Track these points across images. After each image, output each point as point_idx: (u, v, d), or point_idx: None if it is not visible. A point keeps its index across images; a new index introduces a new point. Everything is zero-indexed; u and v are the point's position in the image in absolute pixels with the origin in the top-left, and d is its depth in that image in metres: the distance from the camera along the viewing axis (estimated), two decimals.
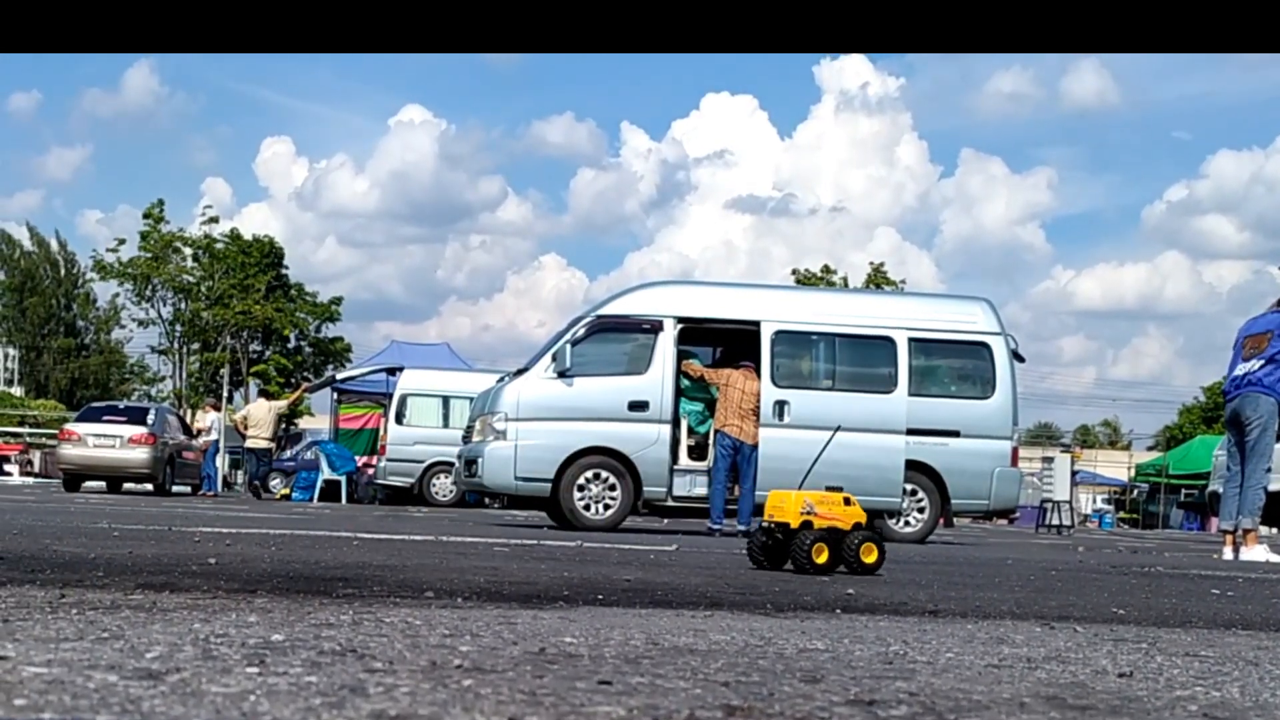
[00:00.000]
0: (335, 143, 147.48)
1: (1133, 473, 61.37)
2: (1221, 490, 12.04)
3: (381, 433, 27.95)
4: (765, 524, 6.27)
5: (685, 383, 14.61)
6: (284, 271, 62.87)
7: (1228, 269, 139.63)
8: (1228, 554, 11.46)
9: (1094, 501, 60.87)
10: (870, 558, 6.01)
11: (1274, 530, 16.42)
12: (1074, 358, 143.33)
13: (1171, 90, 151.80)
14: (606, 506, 13.91)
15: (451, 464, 21.37)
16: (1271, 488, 11.85)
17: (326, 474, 26.90)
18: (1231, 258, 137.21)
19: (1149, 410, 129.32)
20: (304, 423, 51.92)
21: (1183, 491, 51.88)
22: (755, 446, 14.02)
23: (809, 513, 6.07)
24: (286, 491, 27.82)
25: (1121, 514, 59.22)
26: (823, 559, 5.90)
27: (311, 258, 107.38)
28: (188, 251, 59.71)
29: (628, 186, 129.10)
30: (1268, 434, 11.36)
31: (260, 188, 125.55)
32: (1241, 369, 11.64)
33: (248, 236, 61.44)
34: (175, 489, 26.17)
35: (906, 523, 14.54)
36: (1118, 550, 13.95)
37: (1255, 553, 11.22)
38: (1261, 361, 11.41)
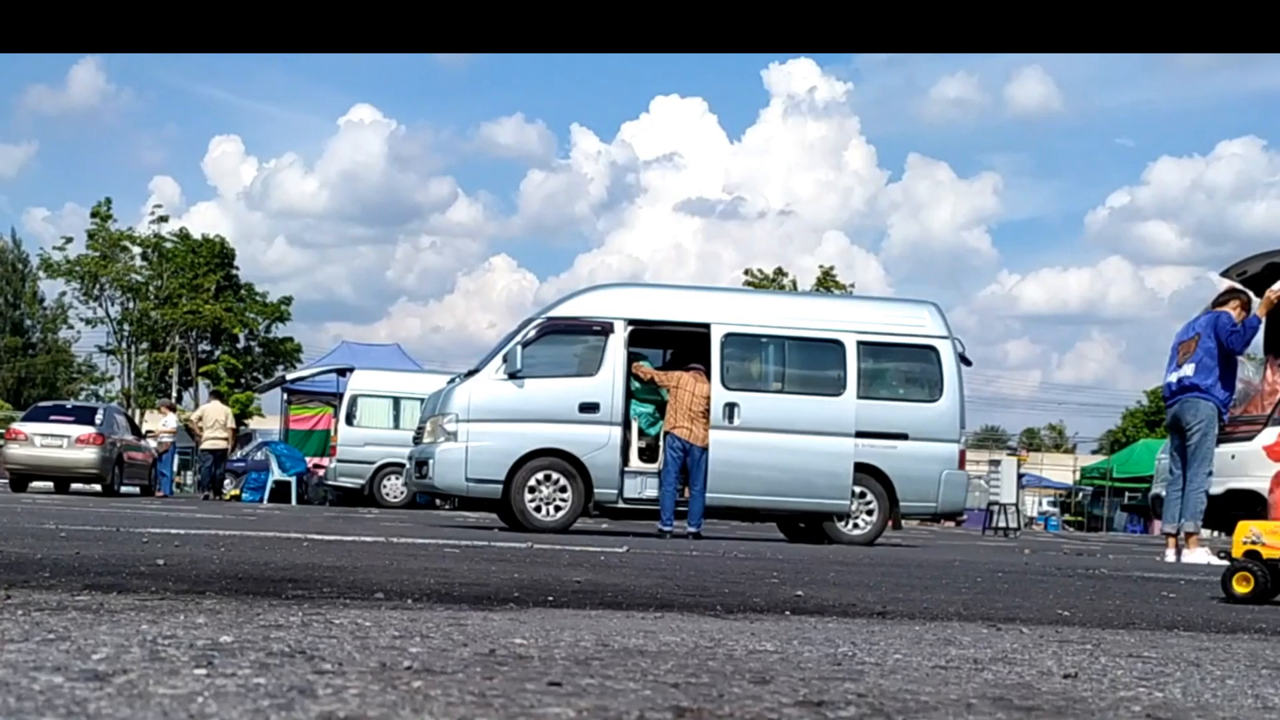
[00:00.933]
0: (284, 142, 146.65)
1: (1077, 476, 61.91)
2: (1164, 494, 12.17)
3: (332, 434, 27.81)
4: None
5: (636, 385, 14.62)
6: (234, 271, 62.49)
7: (1169, 275, 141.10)
8: (1170, 556, 11.57)
9: (1040, 504, 61.27)
10: None
11: (1215, 533, 16.58)
12: (1019, 361, 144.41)
13: (1114, 97, 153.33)
14: (557, 508, 13.89)
15: (402, 465, 21.28)
16: (1213, 491, 11.98)
17: (277, 475, 26.75)
18: (1172, 264, 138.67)
19: (1093, 414, 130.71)
20: (254, 423, 51.60)
21: (1126, 494, 52.38)
22: (705, 449, 14.05)
23: None
24: (236, 492, 27.64)
25: (1066, 517, 59.68)
26: None
27: (261, 258, 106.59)
28: (136, 250, 59.25)
29: (578, 188, 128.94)
30: (1208, 439, 11.48)
31: (209, 187, 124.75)
32: (1175, 375, 11.77)
33: (197, 236, 61.02)
34: (124, 489, 25.95)
35: (855, 525, 14.59)
36: (1063, 552, 14.07)
37: (1197, 555, 11.35)
38: (1193, 365, 11.54)
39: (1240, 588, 5.65)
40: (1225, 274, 12.96)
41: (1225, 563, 11.23)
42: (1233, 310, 11.55)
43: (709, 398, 14.09)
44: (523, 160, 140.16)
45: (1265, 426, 12.14)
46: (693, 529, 13.88)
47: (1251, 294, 11.95)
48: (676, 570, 6.16)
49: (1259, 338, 13.34)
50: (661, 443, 14.29)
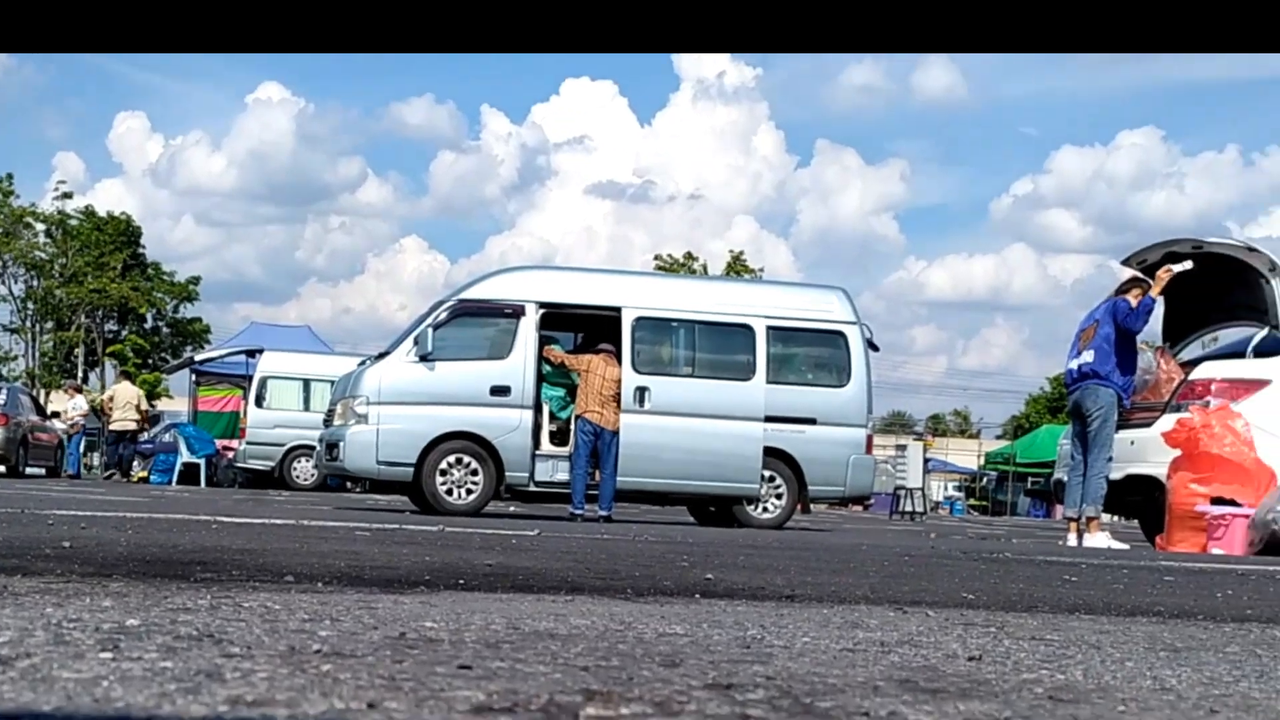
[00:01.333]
0: (191, 119, 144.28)
1: (982, 461, 62.76)
2: (1066, 479, 12.37)
3: (241, 415, 27.53)
4: None
5: (547, 369, 14.61)
6: (140, 250, 61.56)
7: (1071, 262, 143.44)
8: (1072, 541, 11.77)
9: (945, 489, 62.04)
10: None
11: (1116, 518, 16.89)
12: (926, 347, 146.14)
13: (1018, 87, 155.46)
14: (469, 491, 13.86)
15: (313, 447, 21.13)
16: (1113, 476, 12.20)
17: (185, 457, 26.43)
18: (1075, 251, 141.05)
19: (997, 400, 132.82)
20: (162, 405, 50.94)
21: (1029, 479, 53.19)
22: (616, 432, 14.07)
23: None
24: (144, 474, 27.29)
25: (971, 501, 60.48)
26: None
27: (168, 236, 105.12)
28: (40, 227, 58.18)
29: (488, 170, 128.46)
30: (1108, 425, 11.69)
31: (114, 164, 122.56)
32: (1075, 362, 11.97)
33: (102, 213, 60.02)
34: (29, 471, 25.52)
35: (764, 509, 14.69)
36: (967, 537, 14.26)
37: (1098, 539, 11.55)
38: (1092, 352, 11.74)
39: None
40: (1125, 262, 13.19)
41: (1125, 546, 11.47)
42: (1132, 298, 11.76)
43: (619, 381, 14.11)
44: (433, 141, 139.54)
45: (1163, 413, 12.38)
46: (604, 512, 13.91)
47: (1151, 282, 12.17)
48: (587, 553, 6.17)
49: (1156, 326, 13.62)
50: (572, 426, 14.30)
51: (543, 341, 14.41)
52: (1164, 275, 11.79)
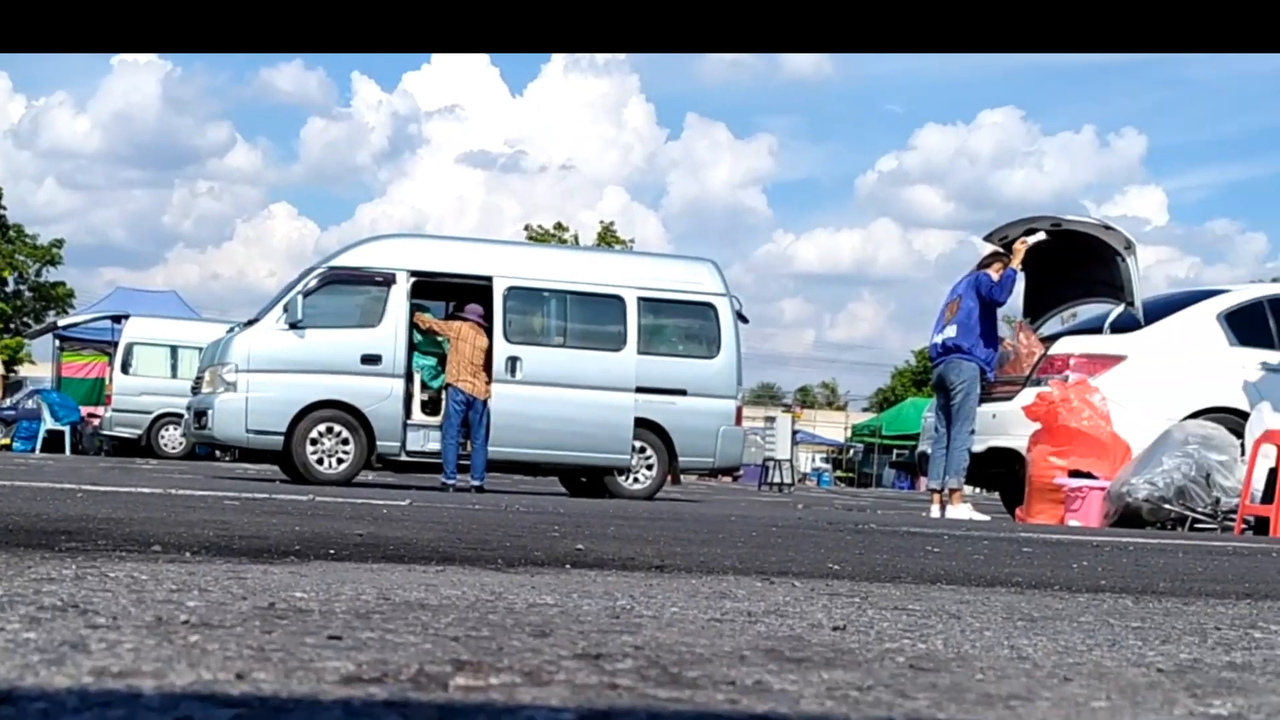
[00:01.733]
0: (54, 80, 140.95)
1: (849, 433, 63.65)
2: (930, 451, 12.59)
3: (107, 382, 26.97)
4: None
5: (418, 338, 14.53)
6: (1, 211, 59.81)
7: (935, 237, 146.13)
8: (935, 512, 11.99)
9: (813, 460, 62.84)
10: None
11: (978, 490, 17.25)
12: (794, 319, 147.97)
13: (883, 64, 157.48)
14: (339, 460, 13.76)
15: (181, 415, 20.81)
16: (976, 449, 12.45)
17: (49, 424, 25.85)
18: (938, 227, 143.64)
19: (864, 372, 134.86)
20: (24, 371, 49.62)
21: (895, 451, 54.07)
22: (486, 402, 14.05)
23: None
24: (7, 441, 26.64)
25: (839, 473, 61.32)
26: None
27: (30, 199, 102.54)
28: None
29: (359, 137, 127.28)
30: (971, 398, 11.92)
31: None
32: (940, 336, 12.19)
33: None
34: None
35: (635, 479, 14.77)
36: (834, 508, 14.47)
37: (960, 511, 11.79)
38: (955, 327, 11.98)
39: None
40: (988, 238, 13.44)
41: (986, 518, 11.72)
42: (994, 272, 12.01)
43: (489, 350, 14.08)
44: (303, 107, 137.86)
45: (1024, 387, 12.64)
46: (476, 482, 13.89)
47: (1011, 257, 12.44)
48: (459, 524, 6.16)
49: (1017, 302, 13.91)
50: (444, 396, 14.24)
51: (414, 310, 14.32)
52: (1020, 247, 12.09)
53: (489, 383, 14.09)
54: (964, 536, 7.66)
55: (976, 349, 11.92)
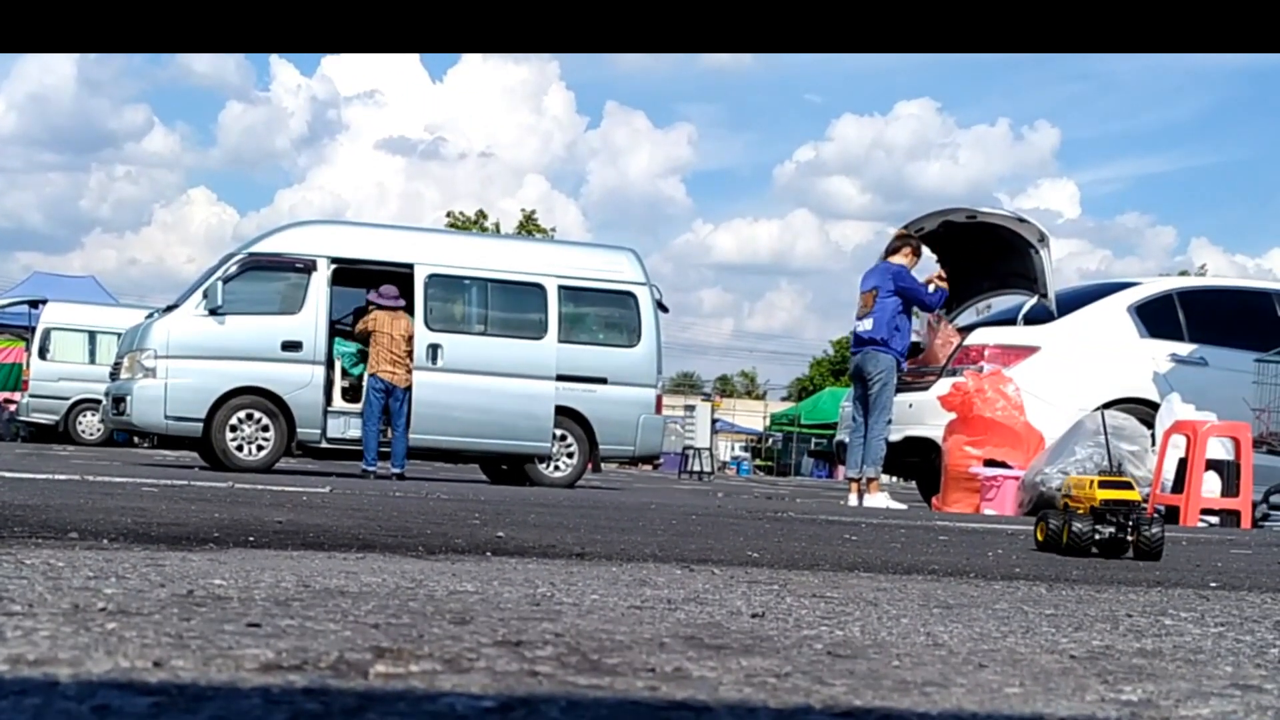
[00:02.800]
0: None
1: (768, 422, 63.99)
2: (848, 440, 12.69)
3: (24, 367, 26.53)
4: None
5: (344, 325, 14.49)
6: None
7: (852, 228, 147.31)
8: (853, 500, 12.09)
9: (732, 449, 63.09)
10: None
11: (894, 479, 17.41)
12: (713, 309, 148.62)
13: (803, 54, 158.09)
14: (259, 447, 13.66)
15: (99, 401, 20.57)
16: (893, 438, 12.57)
17: None
18: (855, 218, 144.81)
19: (782, 362, 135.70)
20: None
21: (813, 440, 54.42)
22: (408, 389, 14.00)
23: None
24: None
25: (758, 461, 61.63)
26: None
27: None
28: None
29: (278, 122, 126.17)
30: (888, 389, 12.03)
31: None
32: (858, 326, 12.31)
33: None
34: None
35: (556, 467, 14.78)
36: (753, 496, 14.54)
37: (877, 500, 11.90)
38: (871, 319, 12.08)
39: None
40: (904, 230, 13.55)
41: (902, 506, 11.84)
42: (905, 258, 12.12)
43: (410, 338, 14.03)
44: (220, 90, 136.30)
45: (939, 378, 12.78)
46: (396, 470, 13.84)
47: (920, 242, 12.53)
48: (379, 511, 6.14)
49: None
50: (365, 383, 14.18)
51: (334, 297, 14.25)
52: (936, 278, 12.27)
53: (410, 370, 14.04)
54: (881, 525, 7.73)
55: (893, 341, 12.04)
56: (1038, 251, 13.02)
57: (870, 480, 12.12)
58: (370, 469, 13.66)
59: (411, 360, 14.06)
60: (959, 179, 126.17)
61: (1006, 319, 13.58)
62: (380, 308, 14.06)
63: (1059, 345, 12.65)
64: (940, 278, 12.39)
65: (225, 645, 1.95)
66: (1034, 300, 13.16)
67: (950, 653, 2.36)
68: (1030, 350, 12.62)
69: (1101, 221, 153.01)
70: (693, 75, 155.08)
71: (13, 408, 26.88)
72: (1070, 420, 12.02)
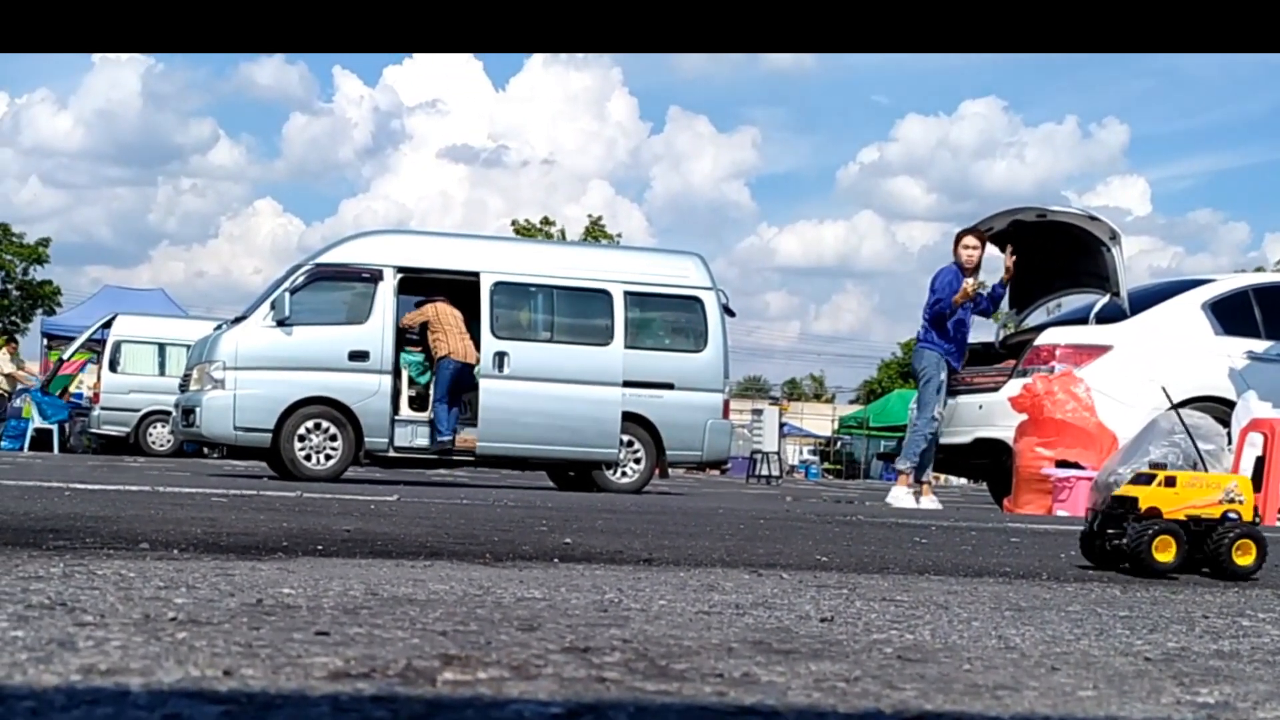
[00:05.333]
0: (36, 77, 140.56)
1: (836, 425, 63.69)
2: None
3: (95, 380, 26.87)
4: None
5: (408, 331, 14.60)
6: None
7: (919, 229, 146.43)
8: (907, 500, 11.93)
9: (800, 453, 62.85)
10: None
11: (964, 480, 17.29)
12: (779, 312, 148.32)
13: (867, 55, 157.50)
14: (328, 457, 13.75)
15: (169, 413, 20.80)
16: (962, 440, 12.48)
17: (37, 422, 25.78)
18: (921, 219, 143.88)
19: (850, 365, 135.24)
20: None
21: (882, 443, 54.14)
22: (472, 366, 14.26)
23: None
24: None
25: (826, 465, 61.36)
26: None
27: (14, 197, 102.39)
28: None
29: (342, 133, 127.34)
30: (929, 386, 11.91)
31: None
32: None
33: None
34: None
35: (623, 473, 14.77)
36: (822, 500, 14.47)
37: (897, 494, 11.81)
38: (923, 318, 12.03)
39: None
40: (972, 230, 13.41)
41: (936, 506, 11.72)
42: (964, 251, 11.91)
43: (461, 316, 14.34)
44: (284, 103, 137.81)
45: (1010, 378, 12.66)
46: (445, 439, 14.10)
47: (975, 234, 12.28)
48: (446, 519, 6.16)
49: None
50: (437, 367, 14.36)
51: (401, 306, 14.37)
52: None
53: (476, 348, 14.37)
54: (952, 528, 7.68)
55: (935, 338, 11.94)
56: (1109, 250, 12.87)
57: (900, 474, 12.07)
58: (445, 438, 13.91)
59: (470, 340, 14.36)
60: (1026, 178, 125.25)
61: (1078, 318, 13.43)
62: (434, 301, 14.37)
63: (1132, 344, 12.50)
64: (1006, 270, 12.16)
65: (294, 653, 1.96)
66: (1106, 299, 13.00)
67: (1022, 656, 2.34)
68: (1103, 349, 12.48)
69: (1173, 218, 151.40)
70: (756, 79, 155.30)
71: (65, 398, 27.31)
72: (1144, 420, 11.87)
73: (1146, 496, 4.49)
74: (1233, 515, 4.49)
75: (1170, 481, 4.54)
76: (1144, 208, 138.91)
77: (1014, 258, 12.07)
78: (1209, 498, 4.53)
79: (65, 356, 27.90)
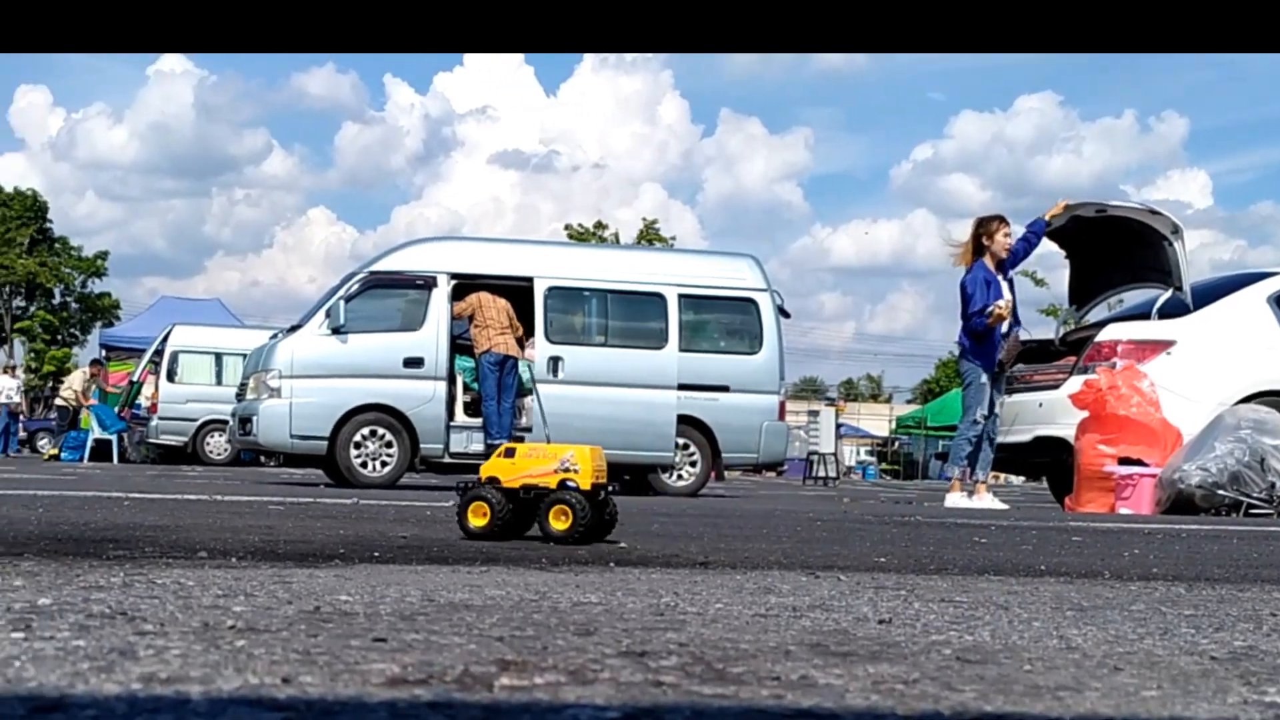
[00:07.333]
0: (93, 91, 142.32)
1: (893, 425, 63.40)
2: None
3: (153, 390, 27.15)
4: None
5: (459, 327, 14.62)
6: (48, 225, 60.52)
7: None
8: (969, 502, 11.83)
9: (858, 454, 62.61)
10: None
11: (1022, 479, 17.16)
12: (834, 313, 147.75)
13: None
14: (383, 463, 13.82)
15: (225, 422, 21.00)
16: (1021, 439, 12.38)
17: (97, 433, 26.07)
18: (977, 216, 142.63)
19: (907, 364, 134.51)
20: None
21: (940, 443, 53.81)
22: (517, 361, 14.22)
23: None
24: (55, 452, 26.88)
25: (884, 465, 61.09)
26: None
27: (71, 211, 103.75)
28: None
29: (394, 141, 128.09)
30: (970, 389, 11.76)
31: (16, 139, 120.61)
32: None
33: (8, 189, 58.85)
34: None
35: (679, 476, 14.78)
36: (880, 501, 14.41)
37: (953, 499, 11.69)
38: (962, 333, 11.86)
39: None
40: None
41: (999, 505, 11.63)
42: (1003, 240, 11.69)
43: (509, 310, 14.25)
44: (336, 112, 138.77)
45: (1071, 375, 12.55)
46: (499, 441, 14.03)
47: (995, 220, 11.98)
48: None
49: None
50: (479, 362, 14.33)
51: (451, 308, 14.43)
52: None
53: (520, 343, 14.29)
54: (1012, 527, 7.62)
55: (962, 339, 11.80)
56: (1171, 244, 12.73)
57: (952, 480, 11.98)
58: (494, 443, 13.81)
59: (517, 333, 14.29)
60: (1083, 172, 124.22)
61: (1140, 313, 13.29)
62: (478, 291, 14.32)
63: (1196, 338, 12.36)
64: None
65: (352, 660, 1.96)
66: (1168, 293, 12.86)
67: (1084, 656, 2.31)
68: (1166, 344, 12.34)
69: (1234, 212, 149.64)
70: (807, 79, 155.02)
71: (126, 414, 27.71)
72: (1209, 415, 11.74)
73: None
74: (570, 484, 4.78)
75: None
76: (1205, 201, 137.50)
77: (1074, 263, 11.97)
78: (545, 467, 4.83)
79: (136, 376, 28.19)
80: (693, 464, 14.84)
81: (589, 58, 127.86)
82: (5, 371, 32.02)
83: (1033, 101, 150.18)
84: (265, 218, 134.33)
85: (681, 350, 14.71)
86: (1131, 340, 12.46)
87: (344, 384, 13.82)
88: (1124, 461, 11.81)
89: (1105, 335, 12.67)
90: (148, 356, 27.29)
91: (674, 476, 14.77)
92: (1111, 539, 6.55)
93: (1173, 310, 12.68)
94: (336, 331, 13.84)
